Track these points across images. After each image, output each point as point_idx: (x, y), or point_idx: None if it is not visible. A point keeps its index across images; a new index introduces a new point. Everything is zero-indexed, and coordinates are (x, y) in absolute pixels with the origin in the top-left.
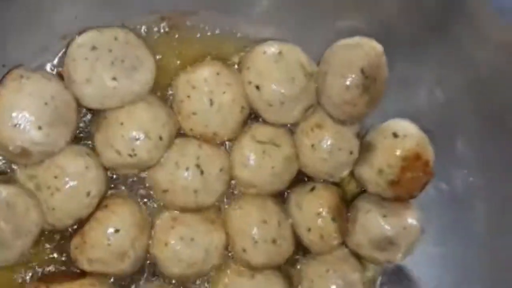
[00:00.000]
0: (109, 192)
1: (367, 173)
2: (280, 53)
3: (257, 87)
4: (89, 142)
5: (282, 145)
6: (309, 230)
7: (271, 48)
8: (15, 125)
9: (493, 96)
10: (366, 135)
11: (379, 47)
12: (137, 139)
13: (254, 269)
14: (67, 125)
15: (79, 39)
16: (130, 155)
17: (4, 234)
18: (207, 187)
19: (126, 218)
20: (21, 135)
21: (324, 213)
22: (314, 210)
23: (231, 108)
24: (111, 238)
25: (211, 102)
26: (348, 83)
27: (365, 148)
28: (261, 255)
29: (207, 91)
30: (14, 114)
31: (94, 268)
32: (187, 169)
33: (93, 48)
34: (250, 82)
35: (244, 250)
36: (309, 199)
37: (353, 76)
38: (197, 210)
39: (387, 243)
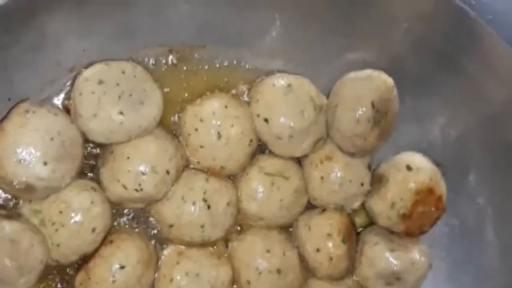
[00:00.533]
0: (115, 224)
1: (378, 205)
2: (289, 85)
3: (266, 120)
4: (93, 175)
5: (291, 178)
6: (317, 251)
7: (280, 81)
8: (20, 161)
9: (505, 131)
10: (378, 167)
11: (389, 80)
12: (144, 174)
13: None
14: (73, 160)
15: (86, 73)
16: (137, 190)
17: (8, 271)
18: (214, 221)
19: (131, 254)
20: (26, 171)
21: (334, 235)
22: (324, 231)
23: (240, 141)
24: (116, 275)
25: (219, 136)
26: (358, 116)
27: (377, 180)
28: (266, 287)
29: (215, 124)
30: (19, 150)
31: None
32: (193, 203)
33: (100, 82)
34: (258, 115)
35: (248, 283)
36: (318, 220)
37: (364, 109)
38: (204, 244)
39: (394, 278)
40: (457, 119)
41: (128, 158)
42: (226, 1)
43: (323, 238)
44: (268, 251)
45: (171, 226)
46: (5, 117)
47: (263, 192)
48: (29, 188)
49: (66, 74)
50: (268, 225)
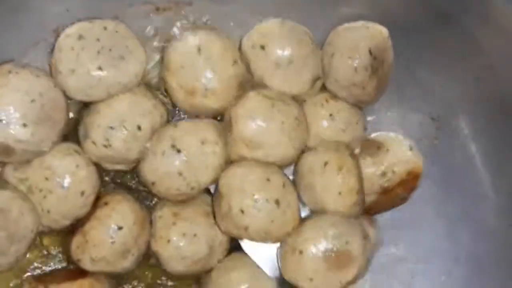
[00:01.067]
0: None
1: (369, 168)
2: (283, 21)
3: (262, 47)
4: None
5: (291, 105)
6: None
7: (273, 19)
8: None
9: (500, 82)
10: (375, 135)
11: (384, 30)
12: (112, 129)
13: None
14: (54, 124)
15: (68, 30)
16: (105, 146)
17: None
18: (192, 165)
19: (127, 215)
20: (3, 132)
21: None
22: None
23: (222, 60)
24: (114, 236)
25: (199, 51)
26: (356, 64)
27: (374, 145)
28: (261, 218)
29: (193, 42)
30: None
31: (97, 267)
32: (163, 153)
33: (80, 37)
34: (254, 46)
35: (242, 212)
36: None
37: (361, 57)
38: (196, 195)
39: None
40: (452, 72)
41: (98, 113)
42: None
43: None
44: (267, 179)
45: (153, 183)
46: None
47: (263, 111)
48: (7, 150)
49: (50, 36)
50: (266, 157)
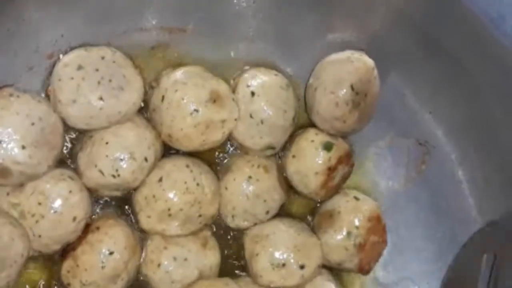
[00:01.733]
0: (97, 212)
1: (333, 238)
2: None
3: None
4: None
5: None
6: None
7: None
8: None
9: (487, 106)
10: (322, 206)
11: (370, 62)
12: (122, 160)
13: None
14: (51, 148)
15: (65, 59)
16: (114, 176)
17: None
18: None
19: (119, 239)
20: (3, 152)
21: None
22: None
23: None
24: (104, 261)
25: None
26: (337, 99)
27: (327, 217)
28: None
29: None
30: None
31: None
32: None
33: (79, 67)
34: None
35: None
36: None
37: (343, 92)
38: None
39: None
40: (439, 96)
41: (107, 143)
42: None
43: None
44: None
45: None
46: None
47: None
48: (4, 172)
49: (44, 61)
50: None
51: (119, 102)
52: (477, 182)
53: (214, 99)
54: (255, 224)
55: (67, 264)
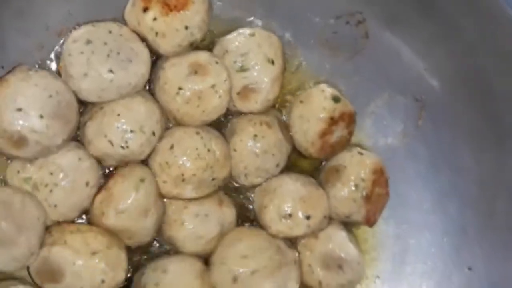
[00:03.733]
0: None
1: (342, 191)
2: None
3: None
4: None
5: None
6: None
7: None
8: (18, 110)
9: (478, 60)
10: (328, 163)
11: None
12: (132, 132)
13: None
14: (67, 122)
15: (74, 34)
16: (122, 147)
17: (6, 232)
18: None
19: (146, 172)
20: (22, 120)
21: None
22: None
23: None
24: (139, 188)
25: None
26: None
27: (333, 172)
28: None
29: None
30: (18, 100)
31: (120, 222)
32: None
33: (88, 42)
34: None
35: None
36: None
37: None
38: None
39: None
40: (433, 52)
41: (118, 115)
42: None
43: None
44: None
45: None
46: (7, 72)
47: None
48: (20, 141)
49: (54, 39)
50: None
51: (129, 74)
52: (473, 134)
53: (195, 70)
54: (267, 179)
55: (99, 197)
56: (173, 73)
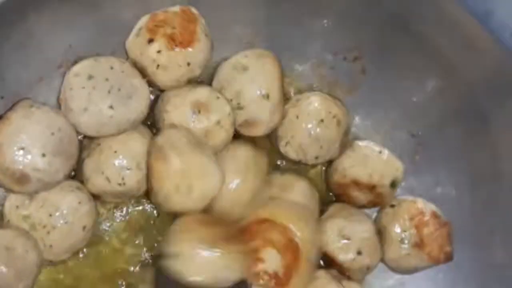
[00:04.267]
0: None
1: (394, 253)
2: None
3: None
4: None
5: None
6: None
7: None
8: (20, 149)
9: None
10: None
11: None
12: (128, 169)
13: None
14: (68, 158)
15: (76, 68)
16: (119, 184)
17: (6, 278)
18: None
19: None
20: (24, 159)
21: None
22: None
23: None
24: None
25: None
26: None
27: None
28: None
29: None
30: (20, 138)
31: None
32: None
33: (90, 77)
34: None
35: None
36: None
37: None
38: None
39: None
40: (427, 88)
41: (115, 152)
42: None
43: None
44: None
45: None
46: (9, 109)
47: None
48: (23, 178)
49: (54, 71)
50: None
51: (128, 110)
52: (470, 169)
53: (199, 109)
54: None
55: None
56: (177, 116)
